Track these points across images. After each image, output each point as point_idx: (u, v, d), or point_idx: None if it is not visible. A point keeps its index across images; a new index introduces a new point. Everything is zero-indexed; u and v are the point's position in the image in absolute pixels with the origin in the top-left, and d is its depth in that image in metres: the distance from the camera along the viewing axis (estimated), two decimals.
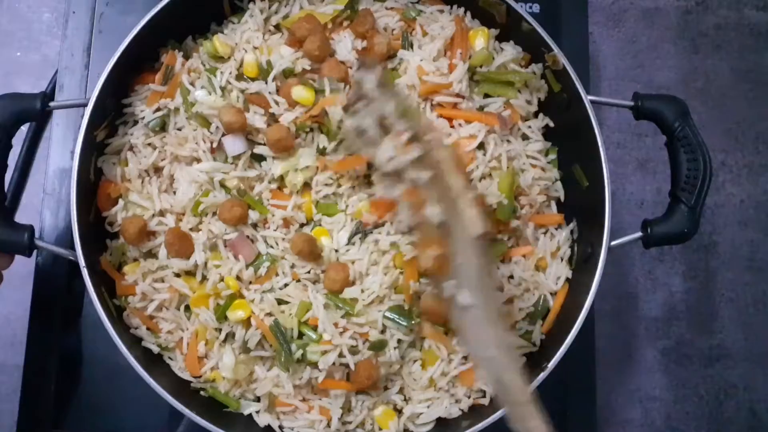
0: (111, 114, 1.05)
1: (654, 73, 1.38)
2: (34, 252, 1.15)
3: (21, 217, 1.23)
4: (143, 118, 1.05)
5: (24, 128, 1.25)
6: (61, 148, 1.19)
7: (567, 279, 1.07)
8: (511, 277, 1.05)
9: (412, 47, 1.07)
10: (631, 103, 1.05)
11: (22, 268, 1.18)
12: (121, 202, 1.04)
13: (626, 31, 1.40)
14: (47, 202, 1.18)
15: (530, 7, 1.28)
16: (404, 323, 0.98)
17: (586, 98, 1.02)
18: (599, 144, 1.01)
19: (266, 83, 1.02)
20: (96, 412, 1.13)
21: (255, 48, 1.06)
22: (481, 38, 1.07)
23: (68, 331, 1.14)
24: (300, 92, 1.01)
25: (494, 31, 1.10)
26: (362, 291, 0.98)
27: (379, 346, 0.97)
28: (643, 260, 1.33)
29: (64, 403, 1.13)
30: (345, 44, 1.05)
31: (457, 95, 1.05)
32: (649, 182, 1.35)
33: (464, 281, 0.87)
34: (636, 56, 1.39)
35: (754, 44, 1.41)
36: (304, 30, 1.03)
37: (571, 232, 1.09)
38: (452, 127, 1.05)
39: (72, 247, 0.97)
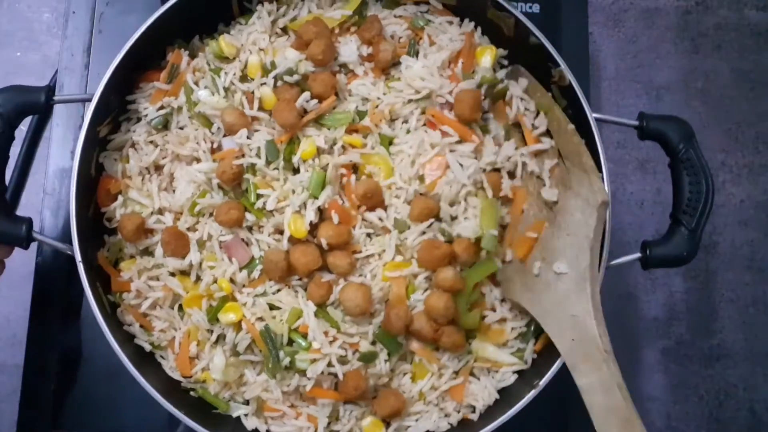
0: (114, 110, 1.05)
1: (654, 73, 1.39)
2: (35, 252, 1.16)
3: None
4: (146, 115, 1.05)
5: (23, 127, 1.26)
6: (61, 148, 1.19)
7: None
8: (504, 300, 1.04)
9: (417, 55, 1.06)
10: (636, 123, 1.04)
11: (22, 267, 1.18)
12: (120, 198, 1.03)
13: (626, 31, 1.40)
14: (47, 202, 1.18)
15: (530, 7, 1.28)
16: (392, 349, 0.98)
17: (591, 116, 1.02)
18: (602, 162, 1.00)
19: (264, 83, 1.02)
20: (96, 412, 1.13)
21: (261, 49, 1.05)
22: (488, 56, 1.06)
23: (68, 331, 1.15)
24: (266, 92, 1.01)
25: (503, 51, 1.09)
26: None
27: (369, 358, 0.97)
28: None
29: (64, 402, 1.13)
30: (350, 48, 1.05)
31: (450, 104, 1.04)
32: (649, 182, 1.35)
33: (563, 254, 0.98)
34: (636, 56, 1.39)
35: (754, 44, 1.41)
36: (310, 33, 1.02)
37: None
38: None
39: (70, 242, 0.97)
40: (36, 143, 1.26)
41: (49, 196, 1.18)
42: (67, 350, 1.14)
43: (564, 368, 0.96)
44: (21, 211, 1.22)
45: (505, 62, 1.10)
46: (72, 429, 1.12)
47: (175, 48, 1.08)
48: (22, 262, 1.18)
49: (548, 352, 1.01)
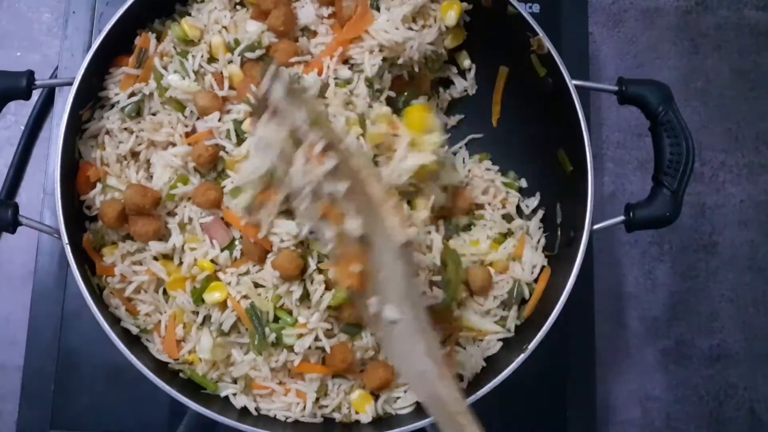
0: (96, 94, 1.05)
1: (654, 73, 1.38)
2: (35, 252, 1.16)
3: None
4: (118, 102, 1.04)
5: (22, 126, 1.25)
6: None
7: (543, 267, 1.08)
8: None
9: (379, 10, 1.05)
10: (616, 88, 1.05)
11: (22, 268, 1.19)
12: (99, 185, 1.03)
13: (626, 31, 1.40)
14: (48, 202, 1.18)
15: (530, 7, 1.28)
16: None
17: (570, 82, 1.03)
18: (583, 129, 1.01)
19: (231, 61, 1.02)
20: (96, 412, 1.13)
21: (224, 27, 1.04)
22: (453, 11, 1.06)
23: (68, 331, 1.14)
24: (234, 70, 1.01)
25: (467, 6, 1.09)
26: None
27: (353, 330, 0.98)
28: (644, 260, 1.33)
29: (64, 403, 1.13)
30: (308, 9, 1.04)
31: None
32: (649, 182, 1.34)
33: (389, 295, 0.83)
34: (636, 56, 1.39)
35: (754, 44, 1.41)
36: (269, 2, 1.02)
37: (541, 220, 1.11)
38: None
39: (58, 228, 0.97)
40: (34, 137, 1.26)
41: (49, 196, 1.18)
42: (67, 350, 1.14)
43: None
44: (21, 212, 1.23)
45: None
46: (72, 429, 1.12)
47: (143, 31, 1.06)
48: (22, 262, 1.19)
49: (536, 317, 1.03)
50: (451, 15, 1.06)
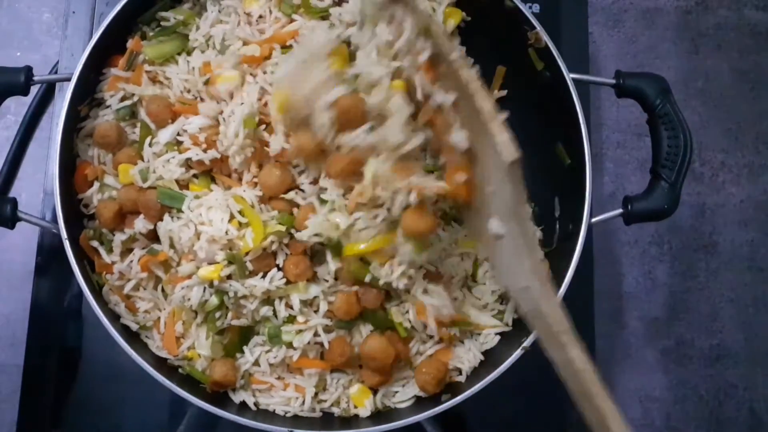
0: (94, 91, 1.05)
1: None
2: (35, 252, 1.16)
3: None
4: (110, 105, 1.04)
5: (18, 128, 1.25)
6: None
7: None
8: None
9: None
10: (613, 81, 1.06)
11: (22, 268, 1.18)
12: (96, 184, 1.03)
13: (626, 31, 1.40)
14: (47, 201, 1.18)
15: (530, 7, 1.27)
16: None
17: (568, 76, 1.03)
18: (581, 121, 1.01)
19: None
20: (96, 412, 1.13)
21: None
22: (452, 20, 1.06)
23: (68, 331, 1.14)
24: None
25: (465, 16, 1.09)
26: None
27: (347, 326, 0.98)
28: (643, 260, 1.33)
29: (64, 402, 1.13)
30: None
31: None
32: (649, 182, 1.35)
33: (496, 209, 0.85)
34: (636, 56, 1.39)
35: (754, 44, 1.41)
36: None
37: (540, 216, 1.10)
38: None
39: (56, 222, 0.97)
40: (31, 133, 1.26)
41: (48, 195, 1.18)
42: (67, 350, 1.14)
43: None
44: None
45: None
46: (72, 429, 1.12)
47: (135, 36, 1.07)
48: (22, 262, 1.19)
49: None
50: (450, 23, 1.07)
